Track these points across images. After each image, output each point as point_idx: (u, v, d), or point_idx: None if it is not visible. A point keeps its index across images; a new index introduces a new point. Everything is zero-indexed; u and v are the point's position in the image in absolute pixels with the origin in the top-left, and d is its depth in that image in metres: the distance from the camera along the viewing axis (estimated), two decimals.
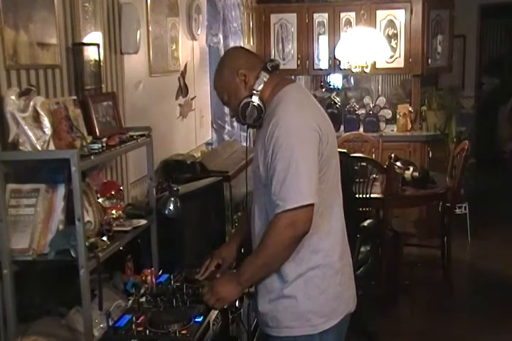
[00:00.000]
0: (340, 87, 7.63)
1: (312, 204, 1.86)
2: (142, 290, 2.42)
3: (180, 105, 3.99)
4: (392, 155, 4.60)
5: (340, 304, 2.04)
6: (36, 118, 2.05)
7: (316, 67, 6.37)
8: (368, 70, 5.61)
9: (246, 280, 1.99)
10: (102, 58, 2.74)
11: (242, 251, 2.35)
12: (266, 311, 2.04)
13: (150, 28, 3.40)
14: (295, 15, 6.27)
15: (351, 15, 6.15)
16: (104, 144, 2.28)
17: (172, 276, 2.55)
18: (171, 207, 2.75)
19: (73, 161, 1.98)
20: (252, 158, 2.07)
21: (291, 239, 1.88)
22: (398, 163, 4.61)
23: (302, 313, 1.98)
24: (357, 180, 4.30)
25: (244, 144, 2.10)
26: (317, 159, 1.89)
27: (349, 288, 2.10)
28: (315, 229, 1.93)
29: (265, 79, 2.00)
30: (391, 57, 6.06)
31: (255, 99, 1.98)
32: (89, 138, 2.31)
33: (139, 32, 3.12)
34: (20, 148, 2.05)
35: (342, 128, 6.38)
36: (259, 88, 1.99)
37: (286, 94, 1.97)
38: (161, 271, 2.66)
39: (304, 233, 1.89)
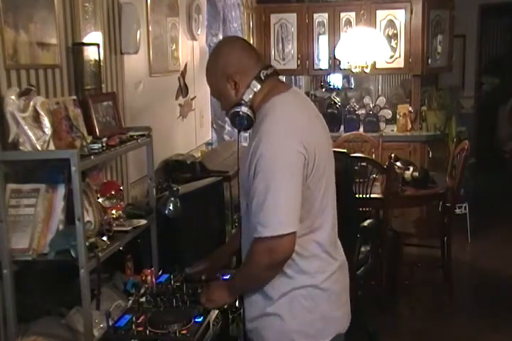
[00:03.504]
0: (340, 87, 7.63)
1: (293, 233, 1.76)
2: (142, 290, 2.42)
3: (180, 105, 3.99)
4: (392, 155, 4.59)
5: (329, 324, 1.93)
6: (36, 119, 2.05)
7: (316, 67, 6.37)
8: (368, 70, 5.61)
9: (234, 289, 2.00)
10: (102, 58, 2.74)
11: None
12: (251, 327, 1.98)
13: (150, 28, 3.41)
14: (295, 15, 6.27)
15: (351, 15, 6.15)
16: (104, 144, 2.29)
17: (172, 276, 2.54)
18: (171, 207, 2.75)
19: (73, 161, 1.98)
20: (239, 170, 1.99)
21: (268, 265, 1.81)
22: (398, 163, 4.61)
23: (286, 333, 1.89)
24: (357, 180, 4.30)
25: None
26: (300, 183, 1.78)
27: (340, 306, 1.98)
28: (300, 251, 1.85)
29: (255, 90, 1.89)
30: (391, 57, 6.06)
31: (244, 110, 1.88)
32: (89, 138, 2.31)
33: (139, 32, 3.12)
34: (20, 148, 2.05)
35: (342, 128, 6.38)
36: (248, 99, 1.89)
37: (275, 106, 1.85)
38: (161, 271, 2.66)
39: (283, 260, 1.81)
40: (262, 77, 1.90)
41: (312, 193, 1.84)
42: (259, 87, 1.89)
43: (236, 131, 2.00)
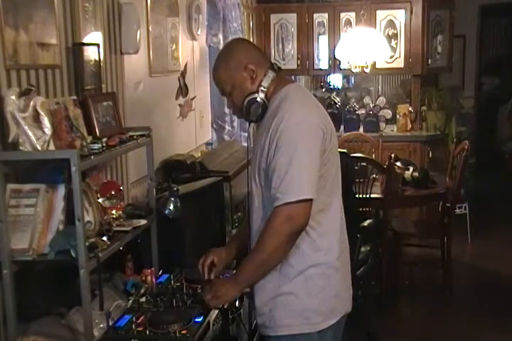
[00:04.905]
0: (340, 87, 7.63)
1: (311, 200, 1.86)
2: (142, 290, 2.42)
3: (180, 105, 3.99)
4: (392, 155, 4.60)
5: (340, 303, 2.03)
6: (36, 118, 2.05)
7: (316, 67, 6.37)
8: (368, 70, 5.61)
9: (244, 279, 2.00)
10: (102, 58, 2.74)
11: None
12: (264, 311, 2.02)
13: (150, 28, 3.41)
14: (295, 15, 6.27)
15: (351, 15, 6.15)
16: (104, 144, 2.28)
17: (172, 276, 2.55)
18: (171, 207, 2.75)
19: (73, 161, 1.98)
20: (252, 158, 2.05)
21: (288, 233, 1.86)
22: (398, 163, 4.61)
23: (301, 311, 1.96)
24: (357, 180, 4.30)
25: (245, 144, 2.08)
26: (319, 156, 1.88)
27: (347, 288, 2.09)
28: (316, 226, 1.93)
29: (272, 78, 2.00)
30: (391, 57, 6.06)
31: (262, 96, 1.98)
32: (89, 138, 2.31)
33: (139, 32, 3.12)
34: (20, 148, 2.05)
35: (342, 128, 6.38)
36: (267, 84, 1.99)
37: (290, 91, 1.97)
38: (161, 271, 2.66)
39: (301, 228, 1.88)
40: (276, 68, 2.03)
41: (327, 169, 1.94)
42: (274, 74, 2.01)
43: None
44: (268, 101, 1.99)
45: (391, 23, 6.10)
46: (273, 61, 2.13)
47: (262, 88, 1.98)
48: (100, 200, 2.41)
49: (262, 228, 1.96)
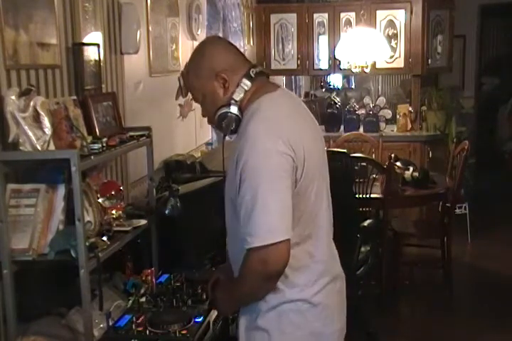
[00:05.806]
0: (340, 87, 7.64)
1: (286, 240, 1.62)
2: (142, 290, 2.42)
3: (180, 105, 3.99)
4: (392, 155, 4.59)
5: None
6: (36, 118, 2.05)
7: (316, 67, 6.37)
8: (368, 70, 5.60)
9: (231, 302, 1.86)
10: (102, 58, 2.74)
11: None
12: None
13: (150, 28, 3.41)
14: (295, 15, 6.27)
15: (351, 15, 6.15)
16: (104, 144, 2.29)
17: (172, 276, 2.55)
18: (171, 207, 2.75)
19: (73, 161, 1.98)
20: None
21: (263, 277, 1.66)
22: (398, 163, 4.61)
23: None
24: (357, 180, 4.30)
25: None
26: (290, 188, 1.65)
27: (333, 322, 1.83)
28: (291, 261, 1.68)
29: (246, 88, 1.78)
30: (391, 57, 6.06)
31: (234, 110, 1.77)
32: (89, 138, 2.31)
33: (139, 32, 3.12)
34: (20, 148, 2.05)
35: (342, 128, 6.38)
36: (239, 98, 1.78)
37: (260, 107, 1.73)
38: (161, 271, 2.66)
39: (279, 270, 1.66)
40: (252, 75, 1.79)
41: (302, 199, 1.72)
42: (249, 84, 1.78)
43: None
44: (242, 113, 1.78)
45: (391, 23, 6.11)
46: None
47: (232, 101, 1.77)
48: (100, 200, 2.41)
49: (235, 254, 1.83)
